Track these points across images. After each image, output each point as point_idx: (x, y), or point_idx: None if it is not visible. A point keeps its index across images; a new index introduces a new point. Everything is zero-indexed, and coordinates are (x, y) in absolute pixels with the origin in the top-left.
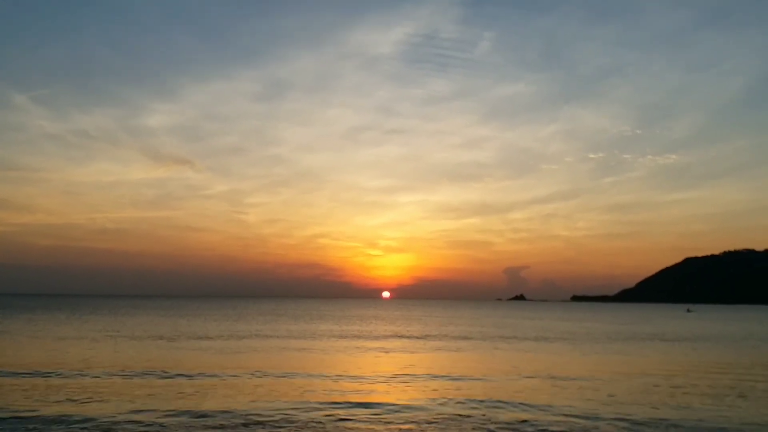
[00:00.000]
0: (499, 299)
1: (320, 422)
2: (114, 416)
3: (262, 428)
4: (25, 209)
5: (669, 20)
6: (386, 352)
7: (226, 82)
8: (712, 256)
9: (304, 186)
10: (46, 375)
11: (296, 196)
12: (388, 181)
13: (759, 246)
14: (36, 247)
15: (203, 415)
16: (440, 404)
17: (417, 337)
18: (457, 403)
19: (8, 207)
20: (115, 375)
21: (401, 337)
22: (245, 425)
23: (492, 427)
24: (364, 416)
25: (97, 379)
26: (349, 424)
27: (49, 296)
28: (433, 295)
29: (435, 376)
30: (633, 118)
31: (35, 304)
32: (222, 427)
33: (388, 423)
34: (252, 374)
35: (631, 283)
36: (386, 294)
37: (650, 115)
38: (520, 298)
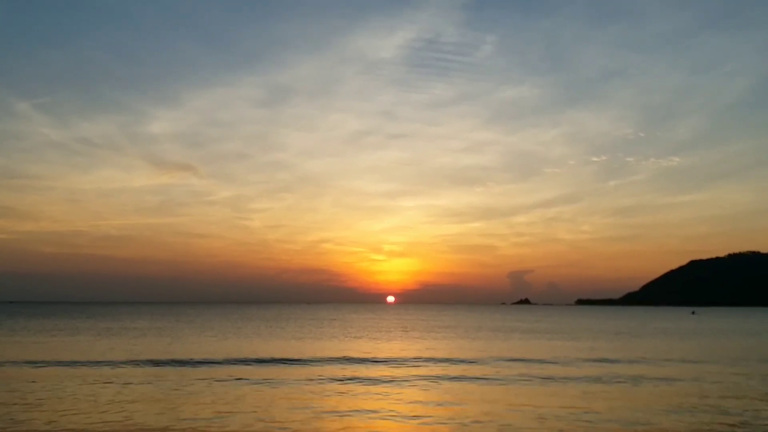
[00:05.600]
0: (504, 303)
1: None
2: None
3: None
4: (28, 217)
5: (672, 22)
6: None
7: (228, 88)
8: (718, 258)
9: (307, 191)
10: None
11: (299, 201)
12: (391, 185)
13: (764, 248)
14: (40, 255)
15: None
16: None
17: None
18: None
19: (12, 215)
20: None
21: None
22: None
23: None
24: None
25: None
26: None
27: (53, 304)
28: (437, 299)
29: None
30: (636, 121)
31: (35, 312)
32: None
33: None
34: None
35: (636, 286)
36: (391, 299)
37: (653, 117)
38: (525, 302)
